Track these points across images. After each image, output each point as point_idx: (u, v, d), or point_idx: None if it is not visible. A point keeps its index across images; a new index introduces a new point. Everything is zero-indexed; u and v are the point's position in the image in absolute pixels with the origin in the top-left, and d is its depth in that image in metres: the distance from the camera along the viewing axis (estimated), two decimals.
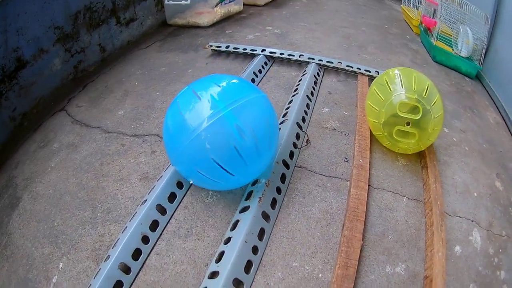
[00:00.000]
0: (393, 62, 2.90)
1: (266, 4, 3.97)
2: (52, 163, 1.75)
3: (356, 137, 1.83)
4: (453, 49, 3.05)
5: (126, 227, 1.37)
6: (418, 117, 1.63)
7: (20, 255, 1.39)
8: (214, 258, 1.28)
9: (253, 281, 1.25)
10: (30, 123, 2.02)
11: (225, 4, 3.38)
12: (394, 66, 2.55)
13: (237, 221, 1.36)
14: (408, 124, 1.67)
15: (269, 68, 2.48)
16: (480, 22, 2.81)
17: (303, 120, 1.91)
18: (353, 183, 1.56)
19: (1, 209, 1.58)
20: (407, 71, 1.78)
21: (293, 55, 2.49)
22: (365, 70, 2.44)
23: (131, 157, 1.73)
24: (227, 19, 3.43)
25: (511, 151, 2.24)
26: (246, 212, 1.37)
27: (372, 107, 1.77)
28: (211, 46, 2.63)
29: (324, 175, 1.67)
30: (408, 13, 3.82)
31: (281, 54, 2.50)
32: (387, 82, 1.74)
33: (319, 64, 2.46)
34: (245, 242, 1.27)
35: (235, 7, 3.54)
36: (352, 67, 2.44)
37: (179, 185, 1.54)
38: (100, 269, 1.27)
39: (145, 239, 1.33)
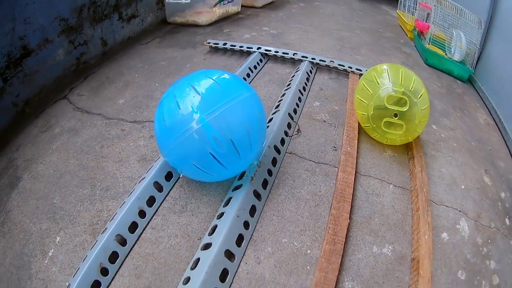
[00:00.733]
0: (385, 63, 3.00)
1: (263, 6, 4.12)
2: (53, 145, 1.82)
3: (345, 128, 1.94)
4: (446, 53, 3.15)
5: (124, 202, 1.45)
6: (405, 109, 1.73)
7: (17, 231, 1.44)
8: (207, 232, 1.37)
9: (244, 254, 1.34)
10: (32, 110, 2.10)
11: (223, 4, 3.51)
12: None
13: (230, 198, 1.45)
14: (395, 115, 1.77)
15: (264, 65, 2.60)
16: (474, 27, 2.92)
17: (295, 111, 2.02)
18: (341, 168, 1.66)
19: (1, 189, 1.63)
20: (394, 67, 1.88)
21: (287, 53, 2.61)
22: (356, 69, 2.56)
23: (131, 140, 1.82)
24: (225, 19, 3.57)
25: (501, 150, 2.31)
26: (238, 190, 1.46)
27: (361, 100, 1.86)
28: (209, 43, 2.76)
29: (313, 161, 1.76)
30: (403, 18, 3.95)
31: (275, 52, 2.63)
32: (375, 77, 1.84)
33: (312, 63, 2.58)
34: (237, 216, 1.36)
35: (233, 8, 3.69)
36: (343, 66, 2.56)
37: None
38: (96, 241, 1.34)
39: (142, 214, 1.42)
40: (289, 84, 2.23)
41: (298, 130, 1.90)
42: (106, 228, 1.37)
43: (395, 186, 1.74)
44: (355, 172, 1.70)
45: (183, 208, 1.49)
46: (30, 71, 2.08)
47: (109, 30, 2.71)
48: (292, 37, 3.15)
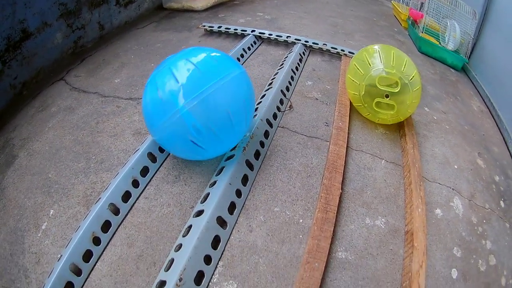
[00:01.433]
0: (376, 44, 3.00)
1: None
2: (49, 124, 1.82)
3: (336, 105, 1.94)
4: (440, 42, 3.16)
5: (118, 173, 1.45)
6: (396, 90, 1.72)
7: (12, 207, 1.43)
8: (200, 200, 1.37)
9: (236, 222, 1.34)
10: (29, 91, 2.10)
11: None
12: None
13: (223, 167, 1.44)
14: (387, 96, 1.76)
15: (257, 47, 2.59)
16: (468, 18, 2.93)
17: (287, 89, 2.02)
18: (332, 141, 1.66)
19: None
20: (386, 48, 1.86)
21: (281, 36, 2.61)
22: (349, 52, 2.56)
23: (126, 116, 1.82)
24: (221, 5, 3.54)
25: (494, 136, 2.31)
26: (231, 159, 1.46)
27: (353, 80, 1.85)
28: (204, 26, 2.75)
29: (305, 135, 1.77)
30: (398, 8, 3.96)
31: (269, 34, 2.62)
32: (366, 58, 1.83)
33: (305, 45, 2.57)
34: (229, 184, 1.36)
35: None
36: (336, 49, 2.56)
37: None
38: (90, 211, 1.34)
39: (135, 183, 1.42)
40: (282, 64, 2.23)
41: (290, 106, 1.90)
42: (99, 198, 1.37)
43: (387, 161, 1.74)
44: (347, 146, 1.70)
45: (176, 178, 1.49)
46: (29, 54, 2.07)
47: (107, 15, 2.70)
48: (286, 22, 3.15)
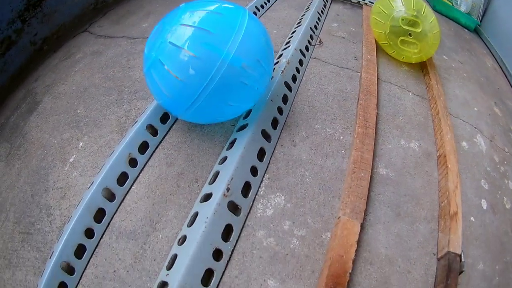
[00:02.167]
0: None
1: None
2: (75, 68, 1.76)
3: (363, 43, 1.94)
4: (453, 4, 3.15)
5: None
6: (419, 30, 1.81)
7: (34, 149, 1.36)
8: (241, 117, 1.36)
9: (279, 137, 1.34)
10: (50, 47, 2.04)
11: None
12: None
13: None
14: (410, 35, 1.83)
15: None
16: None
17: (315, 27, 2.01)
18: (364, 70, 1.66)
19: (19, 116, 1.55)
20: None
21: None
22: (369, 2, 2.55)
23: None
24: None
25: (508, 92, 2.32)
26: (271, 80, 1.46)
27: (378, 20, 1.91)
28: None
29: (337, 66, 1.76)
30: None
31: None
32: (389, 1, 1.90)
33: None
34: (271, 101, 1.36)
35: None
36: None
37: None
38: (125, 135, 1.30)
39: None
40: (307, 8, 2.22)
41: (320, 41, 1.89)
42: (136, 121, 1.34)
43: (414, 94, 1.75)
44: (377, 77, 1.71)
45: None
46: (49, 11, 2.01)
47: None
48: None
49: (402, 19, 1.82)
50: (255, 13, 2.11)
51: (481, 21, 3.06)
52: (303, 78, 1.62)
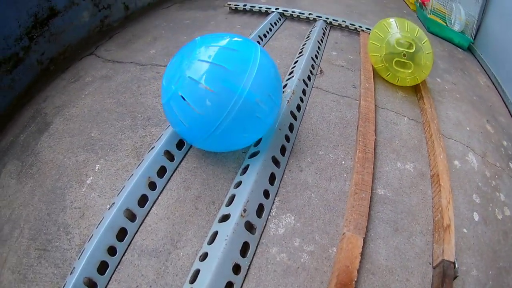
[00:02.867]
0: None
1: None
2: (85, 91, 1.91)
3: (361, 71, 2.16)
4: (447, 24, 3.39)
5: (169, 125, 1.56)
6: (412, 50, 2.03)
7: (48, 169, 1.48)
8: (252, 145, 1.55)
9: (287, 163, 1.54)
10: (57, 67, 2.21)
11: None
12: None
13: None
14: (404, 55, 2.05)
15: (282, 23, 2.81)
16: (472, 1, 3.18)
17: (316, 57, 2.24)
18: (362, 98, 1.88)
19: (29, 135, 1.68)
20: (400, 19, 2.18)
21: (303, 13, 2.84)
22: (366, 28, 2.80)
23: None
24: None
25: (501, 108, 2.52)
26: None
27: (374, 43, 2.15)
28: (229, 4, 2.97)
29: (337, 94, 1.98)
30: None
31: (292, 12, 2.85)
32: (385, 26, 2.15)
33: (326, 22, 2.80)
34: (279, 129, 1.57)
35: None
36: (354, 25, 2.80)
37: None
38: (143, 159, 1.44)
39: None
40: (308, 37, 2.45)
41: (321, 71, 2.12)
42: (153, 147, 1.49)
43: (409, 118, 1.96)
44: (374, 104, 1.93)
45: None
46: (56, 31, 2.19)
47: None
48: (304, 3, 3.36)
49: (397, 41, 2.05)
50: (258, 42, 2.34)
51: (474, 39, 3.28)
52: (306, 107, 1.84)
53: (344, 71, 2.23)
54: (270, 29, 2.54)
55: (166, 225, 1.29)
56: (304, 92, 1.88)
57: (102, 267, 1.15)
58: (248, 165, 1.45)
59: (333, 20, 2.79)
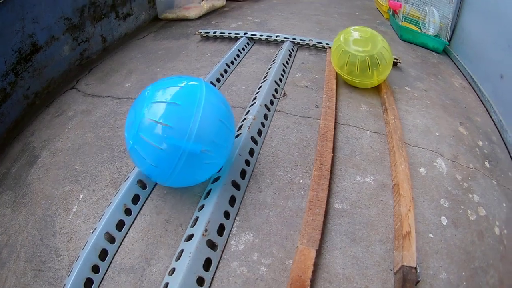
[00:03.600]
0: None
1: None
2: (69, 125, 2.16)
3: (324, 90, 2.35)
4: (421, 29, 3.55)
5: None
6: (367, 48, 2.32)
7: (39, 198, 1.71)
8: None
9: (247, 185, 1.72)
10: (42, 101, 2.43)
11: None
12: None
13: None
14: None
15: (250, 48, 3.05)
16: (445, 2, 3.33)
17: (280, 80, 2.45)
18: (322, 117, 2.06)
19: (19, 168, 1.92)
20: (361, 28, 2.43)
21: (271, 36, 3.08)
22: None
23: None
24: (212, 12, 4.06)
25: (477, 108, 2.62)
26: (237, 137, 1.85)
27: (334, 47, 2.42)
28: (200, 32, 3.23)
29: (299, 116, 2.18)
30: (379, 1, 4.39)
31: (260, 35, 3.10)
32: (343, 32, 2.42)
33: (293, 42, 3.03)
34: (239, 155, 1.76)
35: (218, 2, 4.21)
36: (321, 43, 3.02)
37: None
38: (120, 188, 1.65)
39: None
40: (274, 60, 2.67)
41: (284, 94, 2.32)
42: (128, 177, 1.70)
43: (371, 132, 2.12)
44: (335, 122, 2.11)
45: None
46: (39, 66, 2.42)
47: (108, 28, 3.14)
48: (274, 24, 3.61)
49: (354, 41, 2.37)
50: (225, 71, 2.56)
51: (450, 40, 3.42)
52: (268, 131, 2.03)
53: (308, 91, 2.43)
54: (238, 55, 2.76)
55: (140, 245, 1.49)
56: (265, 116, 2.08)
57: (88, 283, 1.35)
58: (210, 190, 1.64)
59: (300, 40, 3.01)
